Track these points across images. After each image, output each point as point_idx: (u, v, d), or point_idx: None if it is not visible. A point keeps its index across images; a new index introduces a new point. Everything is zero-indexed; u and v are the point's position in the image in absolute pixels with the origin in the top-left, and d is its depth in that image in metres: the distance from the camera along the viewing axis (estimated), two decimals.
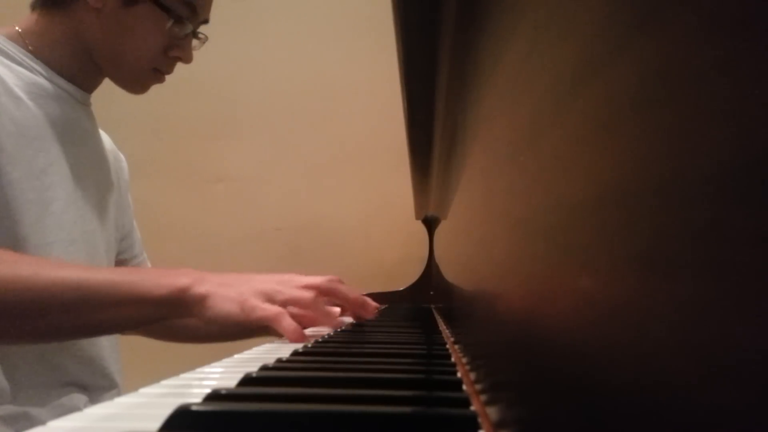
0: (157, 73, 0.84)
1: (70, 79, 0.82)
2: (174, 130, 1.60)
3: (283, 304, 0.66)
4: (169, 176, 1.58)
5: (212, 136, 1.60)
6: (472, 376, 0.41)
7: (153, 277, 0.66)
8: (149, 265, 1.06)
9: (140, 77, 0.84)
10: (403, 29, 0.43)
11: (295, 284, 0.70)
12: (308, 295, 0.69)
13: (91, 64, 0.82)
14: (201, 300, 0.64)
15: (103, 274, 0.66)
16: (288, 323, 0.63)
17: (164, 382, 0.40)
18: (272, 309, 0.64)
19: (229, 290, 0.65)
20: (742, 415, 0.10)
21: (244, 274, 0.71)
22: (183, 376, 0.43)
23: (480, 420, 0.30)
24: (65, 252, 0.77)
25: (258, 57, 1.60)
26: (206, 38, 0.89)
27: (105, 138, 0.97)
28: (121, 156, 1.02)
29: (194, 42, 0.87)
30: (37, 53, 0.79)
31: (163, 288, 0.64)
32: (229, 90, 1.60)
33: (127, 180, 1.02)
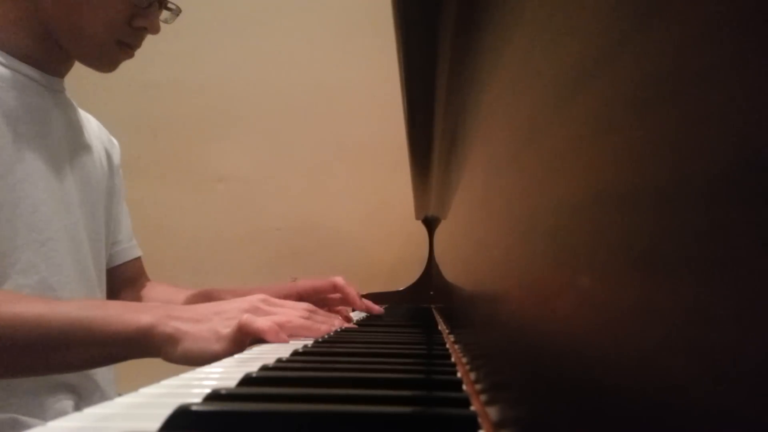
0: (124, 47, 0.79)
1: (35, 64, 0.77)
2: (174, 130, 1.60)
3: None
4: (169, 176, 1.58)
5: (212, 136, 1.60)
6: (472, 376, 0.41)
7: (115, 313, 0.62)
8: (139, 253, 1.02)
9: (106, 52, 0.78)
10: (403, 29, 0.43)
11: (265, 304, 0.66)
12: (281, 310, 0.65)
13: (55, 45, 0.78)
14: (167, 340, 0.60)
15: (64, 310, 0.61)
16: (262, 321, 0.60)
17: (164, 382, 0.40)
18: (235, 321, 0.60)
19: (200, 326, 0.61)
20: (742, 416, 0.10)
21: (213, 305, 0.66)
22: (183, 376, 0.43)
23: (480, 420, 0.30)
24: (36, 254, 0.74)
25: (258, 57, 1.60)
26: (178, 10, 0.84)
27: (92, 122, 0.93)
28: (114, 140, 0.98)
29: (166, 14, 0.83)
30: None
31: (126, 326, 0.60)
32: (229, 90, 1.60)
33: (118, 164, 0.98)
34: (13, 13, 0.76)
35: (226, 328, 0.60)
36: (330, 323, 0.70)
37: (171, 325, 0.60)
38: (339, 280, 0.92)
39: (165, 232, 1.53)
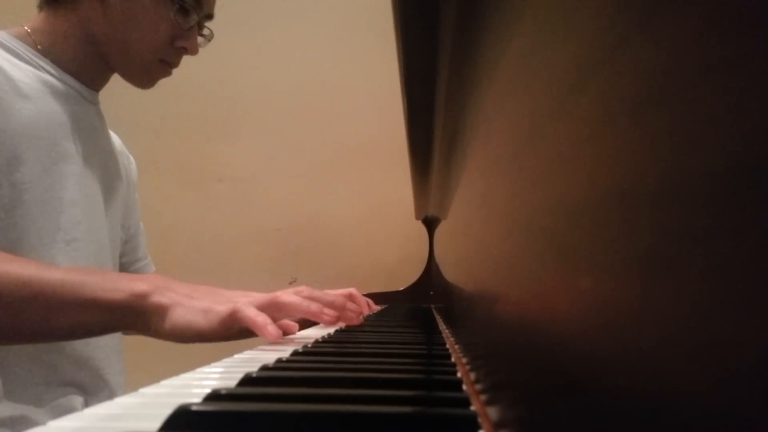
0: (164, 65, 0.85)
1: (78, 77, 0.83)
2: (174, 130, 1.60)
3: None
4: (169, 176, 1.58)
5: (212, 136, 1.60)
6: (472, 376, 0.41)
7: (111, 279, 0.61)
8: (153, 269, 1.06)
9: (148, 68, 0.84)
10: (403, 29, 0.43)
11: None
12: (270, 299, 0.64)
13: (99, 59, 0.83)
14: (160, 311, 0.59)
15: (58, 273, 0.61)
16: (254, 311, 0.58)
17: (164, 382, 0.40)
18: (231, 304, 0.59)
19: (193, 301, 0.60)
20: (742, 416, 0.10)
21: (213, 287, 0.65)
22: (183, 376, 0.43)
23: (480, 420, 0.30)
24: (62, 252, 0.76)
25: (258, 57, 1.60)
26: (212, 35, 0.90)
27: (115, 138, 0.98)
28: (131, 157, 1.03)
29: (200, 40, 0.88)
30: (46, 51, 0.80)
31: (120, 292, 0.59)
32: (230, 90, 1.60)
33: (135, 181, 1.03)
34: (65, 26, 0.80)
35: (219, 307, 0.59)
36: (327, 313, 0.69)
37: (166, 296, 0.59)
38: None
39: (165, 231, 1.53)
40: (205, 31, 0.89)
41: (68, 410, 0.75)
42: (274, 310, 0.63)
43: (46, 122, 0.76)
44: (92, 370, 0.80)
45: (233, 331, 0.60)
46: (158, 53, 0.82)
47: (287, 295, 0.65)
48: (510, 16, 0.32)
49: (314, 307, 0.66)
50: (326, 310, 0.67)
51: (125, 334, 0.63)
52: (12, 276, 0.59)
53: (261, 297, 0.64)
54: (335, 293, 0.74)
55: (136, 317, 0.60)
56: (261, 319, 0.59)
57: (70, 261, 0.77)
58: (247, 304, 0.60)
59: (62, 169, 0.77)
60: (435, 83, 0.52)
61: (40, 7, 0.82)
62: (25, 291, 0.58)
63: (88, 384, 0.79)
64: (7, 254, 0.65)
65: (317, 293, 0.70)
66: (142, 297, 0.59)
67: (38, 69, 0.78)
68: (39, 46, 0.80)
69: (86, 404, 0.79)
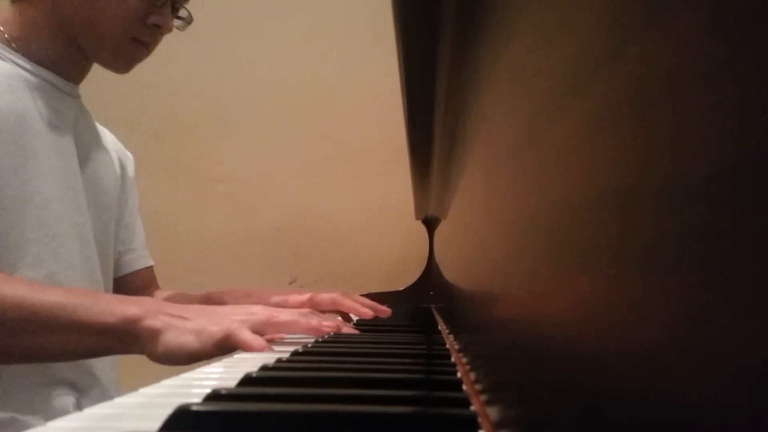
0: (138, 44, 0.82)
1: (54, 69, 0.81)
2: (174, 130, 1.60)
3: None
4: (169, 176, 1.58)
5: (212, 136, 1.60)
6: (472, 376, 0.41)
7: (104, 302, 0.60)
8: (151, 262, 1.04)
9: (121, 49, 0.81)
10: (403, 29, 0.43)
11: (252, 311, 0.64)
12: (264, 312, 0.64)
13: (74, 49, 0.81)
14: (153, 335, 0.58)
15: (51, 295, 0.60)
16: (249, 334, 0.58)
17: (164, 382, 0.40)
18: (225, 325, 0.59)
19: (186, 323, 0.59)
20: (742, 416, 0.10)
21: (208, 306, 0.65)
22: (183, 376, 0.43)
23: (480, 420, 0.30)
24: (45, 248, 0.75)
25: (258, 57, 1.60)
26: (190, 17, 0.87)
27: (108, 134, 0.96)
28: (128, 153, 1.02)
29: (178, 22, 0.86)
30: (18, 46, 0.78)
31: (112, 316, 0.59)
32: (229, 90, 1.60)
33: (132, 177, 1.01)
34: (35, 17, 0.79)
35: (213, 328, 0.59)
36: (327, 325, 0.69)
37: (159, 319, 0.59)
38: (337, 297, 0.92)
39: (165, 232, 1.53)
40: (182, 13, 0.86)
41: (60, 409, 0.75)
42: (271, 330, 0.63)
43: (19, 118, 0.74)
44: (83, 366, 0.79)
45: (229, 351, 0.60)
46: (129, 31, 0.80)
47: (285, 314, 0.65)
48: (510, 16, 0.32)
49: (314, 321, 0.66)
50: (326, 323, 0.67)
51: (121, 354, 0.62)
52: (4, 297, 0.58)
53: (257, 317, 0.63)
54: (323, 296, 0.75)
55: (129, 341, 0.59)
56: (257, 343, 0.58)
57: (55, 257, 0.76)
58: (241, 326, 0.59)
59: (41, 164, 0.76)
60: (435, 83, 0.52)
61: (12, 0, 0.80)
62: (16, 312, 0.58)
63: (79, 381, 0.79)
64: (4, 274, 0.64)
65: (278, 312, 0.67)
66: (135, 321, 0.59)
67: (9, 63, 0.77)
68: (13, 44, 0.78)
69: (78, 402, 0.78)
